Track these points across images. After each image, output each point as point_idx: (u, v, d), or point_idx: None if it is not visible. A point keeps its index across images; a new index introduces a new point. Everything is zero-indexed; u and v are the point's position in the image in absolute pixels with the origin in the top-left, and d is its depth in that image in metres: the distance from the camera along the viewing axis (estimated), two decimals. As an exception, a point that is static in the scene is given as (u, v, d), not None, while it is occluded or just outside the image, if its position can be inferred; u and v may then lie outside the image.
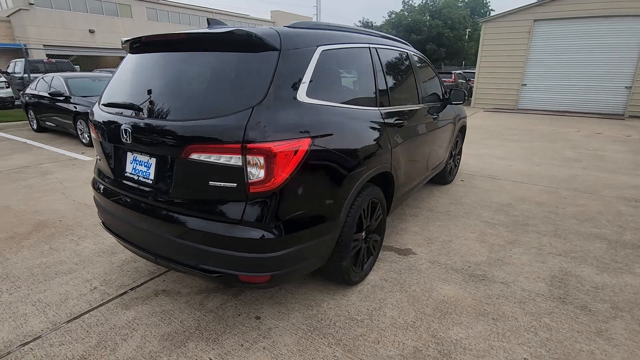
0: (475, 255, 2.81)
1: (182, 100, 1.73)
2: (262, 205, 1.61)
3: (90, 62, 20.77)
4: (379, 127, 2.29)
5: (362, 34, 2.44)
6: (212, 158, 1.58)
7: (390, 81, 2.62)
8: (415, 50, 3.36)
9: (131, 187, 1.93)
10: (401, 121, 2.59)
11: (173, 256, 1.81)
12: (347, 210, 1.98)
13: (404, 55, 2.98)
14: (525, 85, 13.86)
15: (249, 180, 1.56)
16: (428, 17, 28.54)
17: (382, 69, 2.50)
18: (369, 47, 2.41)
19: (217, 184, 1.61)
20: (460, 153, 4.78)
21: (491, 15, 14.36)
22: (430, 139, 3.28)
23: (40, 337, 1.91)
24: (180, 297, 2.26)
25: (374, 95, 2.35)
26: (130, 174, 1.94)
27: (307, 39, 1.86)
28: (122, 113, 1.91)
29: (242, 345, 1.87)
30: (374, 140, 2.20)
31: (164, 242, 1.82)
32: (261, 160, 1.53)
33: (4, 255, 2.76)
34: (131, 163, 1.93)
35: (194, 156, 1.61)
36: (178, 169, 1.70)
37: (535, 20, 12.88)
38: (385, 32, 2.85)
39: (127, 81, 2.03)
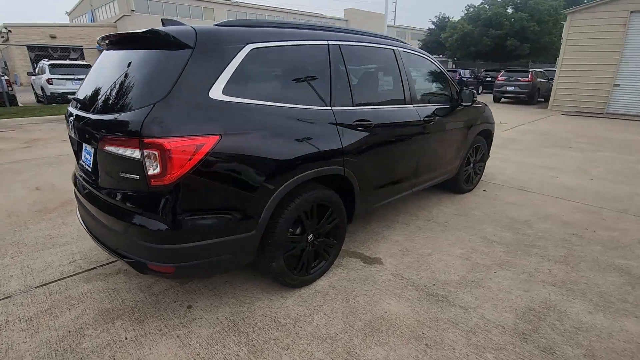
0: (448, 274, 2.54)
1: (109, 96, 1.86)
2: (163, 198, 1.67)
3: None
4: (327, 127, 2.19)
5: (320, 30, 2.35)
6: (120, 151, 1.68)
7: (358, 80, 2.48)
8: (412, 49, 3.12)
9: (82, 176, 2.15)
10: (367, 122, 2.44)
11: (102, 239, 1.98)
12: (271, 210, 1.94)
13: (388, 53, 2.79)
14: (617, 86, 11.91)
15: (148, 174, 1.63)
16: (511, 10, 26.06)
17: (345, 67, 2.38)
18: (328, 44, 2.31)
19: (126, 175, 1.71)
20: (483, 160, 4.31)
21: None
22: (422, 143, 3.03)
23: (10, 297, 2.24)
24: (135, 279, 2.44)
25: (328, 94, 2.25)
26: (83, 162, 2.15)
27: (232, 37, 1.86)
28: (74, 106, 2.13)
29: (160, 330, 1.97)
30: (316, 140, 2.12)
31: (97, 226, 2.00)
32: (156, 154, 1.59)
33: (26, 225, 3.26)
34: (84, 152, 2.14)
35: (108, 148, 1.73)
36: (99, 159, 1.86)
37: (632, 12, 10.96)
38: (362, 29, 2.71)
39: (89, 77, 2.26)
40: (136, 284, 2.38)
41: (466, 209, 3.72)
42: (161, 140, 1.57)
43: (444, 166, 3.50)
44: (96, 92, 1.99)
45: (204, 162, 1.67)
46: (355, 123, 2.36)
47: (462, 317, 2.09)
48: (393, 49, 2.85)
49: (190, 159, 1.64)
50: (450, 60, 33.96)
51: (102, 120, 1.78)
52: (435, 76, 3.38)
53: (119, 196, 1.81)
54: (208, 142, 1.68)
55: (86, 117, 1.93)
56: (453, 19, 32.26)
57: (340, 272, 2.54)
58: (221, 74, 1.77)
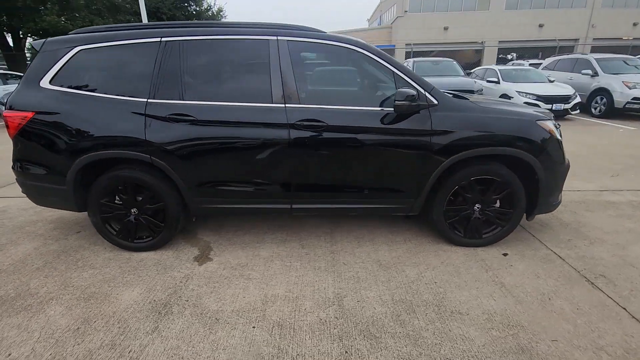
0: (219, 303, 2.15)
1: None
2: (14, 148, 2.62)
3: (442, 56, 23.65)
4: (133, 117, 2.41)
5: (158, 29, 2.47)
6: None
7: (199, 75, 2.46)
8: (320, 37, 2.47)
9: None
10: (188, 117, 2.40)
11: None
12: (74, 173, 2.48)
13: (258, 46, 2.45)
14: None
15: (11, 132, 2.63)
16: None
17: (180, 62, 2.43)
18: (160, 41, 2.44)
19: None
20: (514, 205, 2.57)
21: None
22: (297, 151, 2.45)
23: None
24: (100, 208, 3.62)
25: (147, 88, 2.42)
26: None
27: (64, 42, 2.47)
28: None
29: (48, 238, 3.00)
30: (117, 127, 2.41)
31: None
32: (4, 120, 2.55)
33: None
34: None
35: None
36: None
37: None
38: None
39: None
40: (82, 217, 3.52)
41: (404, 263, 2.54)
42: (4, 112, 2.51)
43: (376, 191, 2.59)
44: None
45: (24, 129, 2.48)
46: (169, 116, 2.41)
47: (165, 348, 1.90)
48: (268, 40, 2.44)
49: (18, 125, 2.49)
50: None
51: None
52: (364, 73, 2.47)
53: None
54: (28, 116, 2.46)
55: None
56: None
57: (165, 254, 2.70)
58: (50, 69, 2.47)
